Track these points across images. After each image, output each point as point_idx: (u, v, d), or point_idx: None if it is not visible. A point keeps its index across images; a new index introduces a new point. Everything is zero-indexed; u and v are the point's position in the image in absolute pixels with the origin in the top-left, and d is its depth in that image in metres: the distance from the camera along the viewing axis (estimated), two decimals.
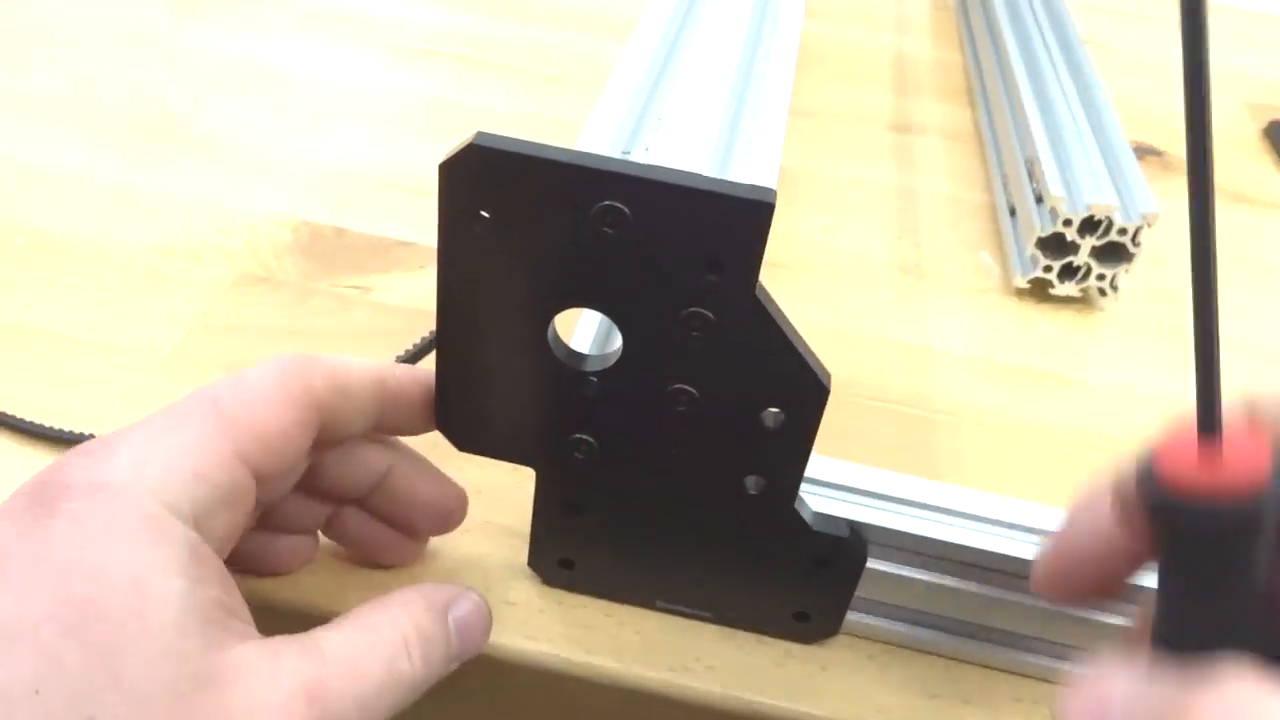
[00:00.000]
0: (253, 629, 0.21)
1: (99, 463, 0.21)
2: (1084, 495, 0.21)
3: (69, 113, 0.47)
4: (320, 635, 0.22)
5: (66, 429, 0.31)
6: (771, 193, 0.21)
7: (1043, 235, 0.42)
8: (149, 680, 0.19)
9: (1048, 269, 0.43)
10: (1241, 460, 0.16)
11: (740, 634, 0.29)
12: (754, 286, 0.22)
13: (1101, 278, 0.43)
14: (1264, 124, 0.61)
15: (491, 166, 0.22)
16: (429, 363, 0.27)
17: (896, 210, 0.49)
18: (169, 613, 0.19)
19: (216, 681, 0.20)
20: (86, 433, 0.31)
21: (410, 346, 0.31)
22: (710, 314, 0.23)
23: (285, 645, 0.21)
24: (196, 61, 0.52)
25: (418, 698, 0.23)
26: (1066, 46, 0.56)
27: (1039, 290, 0.44)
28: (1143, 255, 0.47)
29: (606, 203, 0.21)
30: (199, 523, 0.21)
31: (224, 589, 0.21)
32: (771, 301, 0.23)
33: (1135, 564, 0.21)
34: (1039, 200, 0.44)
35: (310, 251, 0.41)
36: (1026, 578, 0.27)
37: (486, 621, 0.26)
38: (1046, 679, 0.29)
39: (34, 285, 0.37)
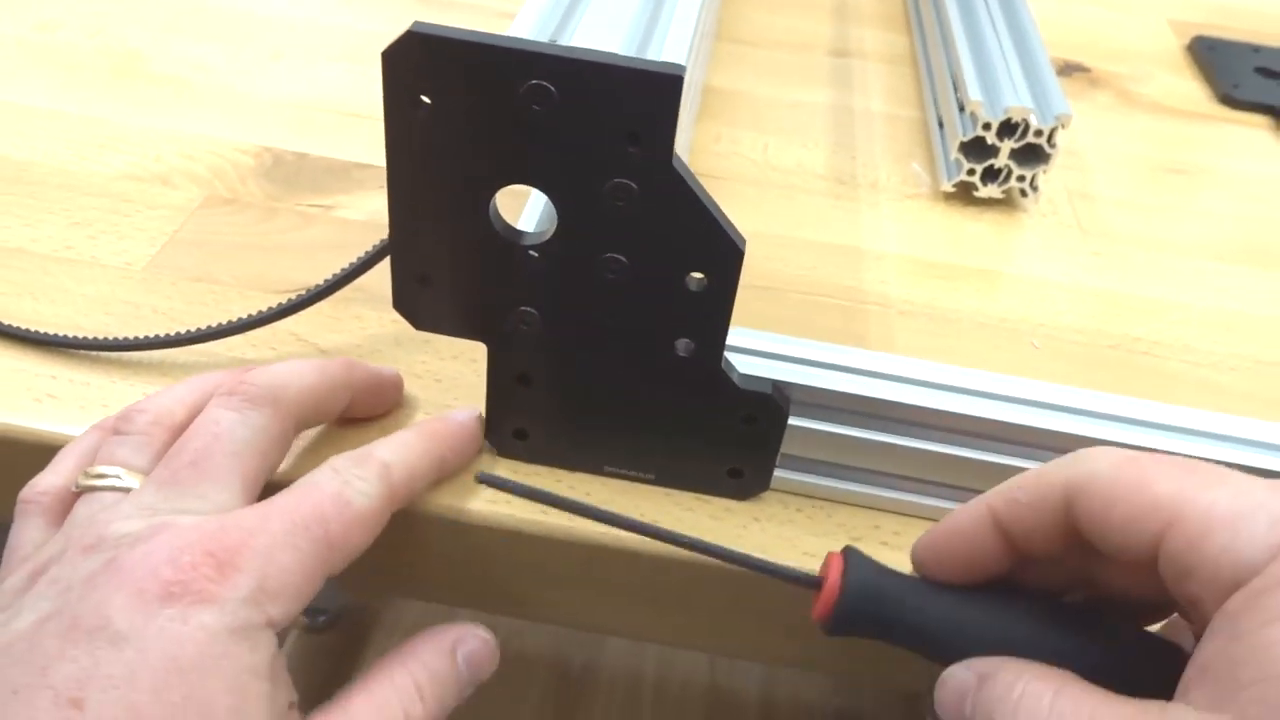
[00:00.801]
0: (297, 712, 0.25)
1: (226, 584, 0.24)
2: (968, 508, 0.26)
3: (35, 54, 0.49)
4: (347, 701, 0.26)
5: (53, 333, 0.33)
6: (680, 68, 0.24)
7: (964, 140, 0.45)
8: None
9: (971, 172, 0.46)
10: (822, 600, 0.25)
11: (681, 494, 0.32)
12: (670, 156, 0.25)
13: (1021, 179, 0.46)
14: (1187, 40, 0.64)
15: (429, 53, 0.24)
16: (384, 266, 0.30)
17: (834, 128, 0.51)
18: (261, 714, 0.23)
19: None
20: (73, 335, 0.33)
21: (364, 251, 0.34)
22: (633, 184, 0.25)
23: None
24: (155, 5, 0.54)
25: None
26: None
27: (965, 194, 0.47)
28: (1064, 160, 0.50)
29: (534, 82, 0.24)
30: (281, 625, 0.25)
31: (286, 675, 0.25)
32: (689, 171, 0.25)
33: (1000, 562, 0.25)
34: (961, 109, 0.46)
35: (273, 175, 0.43)
36: (932, 427, 0.30)
37: (493, 652, 0.29)
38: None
39: (12, 211, 0.39)
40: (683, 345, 0.28)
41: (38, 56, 0.48)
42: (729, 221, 0.26)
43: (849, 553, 0.26)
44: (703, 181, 0.43)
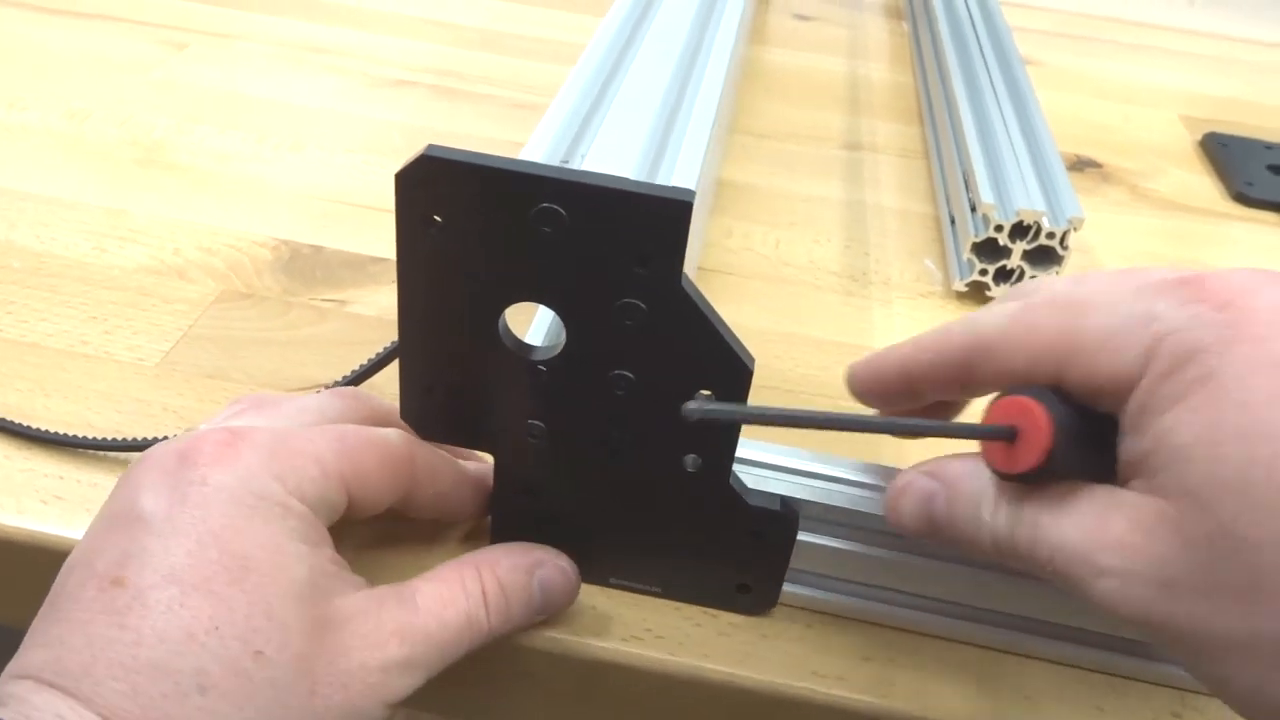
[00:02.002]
0: (362, 581, 0.27)
1: (238, 450, 0.25)
2: (937, 336, 0.27)
3: (61, 142, 0.50)
4: (416, 586, 0.27)
5: (63, 433, 0.33)
6: (690, 193, 0.24)
7: (977, 240, 0.45)
8: (293, 620, 0.24)
9: (983, 272, 0.46)
10: (1032, 450, 0.24)
11: (689, 608, 0.31)
12: (679, 277, 0.25)
13: (1034, 279, 0.46)
14: (1199, 136, 0.64)
15: (441, 175, 0.24)
16: (393, 367, 0.30)
17: (847, 223, 0.52)
18: (301, 570, 0.25)
19: (336, 621, 0.25)
20: (81, 435, 0.33)
21: (376, 352, 0.34)
22: (642, 304, 0.25)
23: (388, 594, 0.26)
24: (182, 93, 0.55)
25: (492, 642, 0.28)
26: (1006, 66, 0.59)
27: (977, 293, 0.47)
28: (1076, 258, 0.50)
29: (544, 205, 0.24)
30: (313, 505, 0.26)
31: (333, 551, 0.26)
32: (697, 291, 0.26)
33: (945, 394, 0.27)
34: (974, 209, 0.47)
35: (290, 269, 0.43)
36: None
37: (572, 585, 0.30)
38: (969, 642, 0.31)
39: (29, 304, 0.39)
40: (690, 461, 0.28)
41: (65, 146, 0.49)
42: (738, 341, 0.26)
43: (1038, 392, 0.24)
44: (714, 277, 0.43)
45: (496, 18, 0.69)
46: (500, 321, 0.27)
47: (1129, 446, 0.23)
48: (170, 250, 0.43)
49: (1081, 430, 0.24)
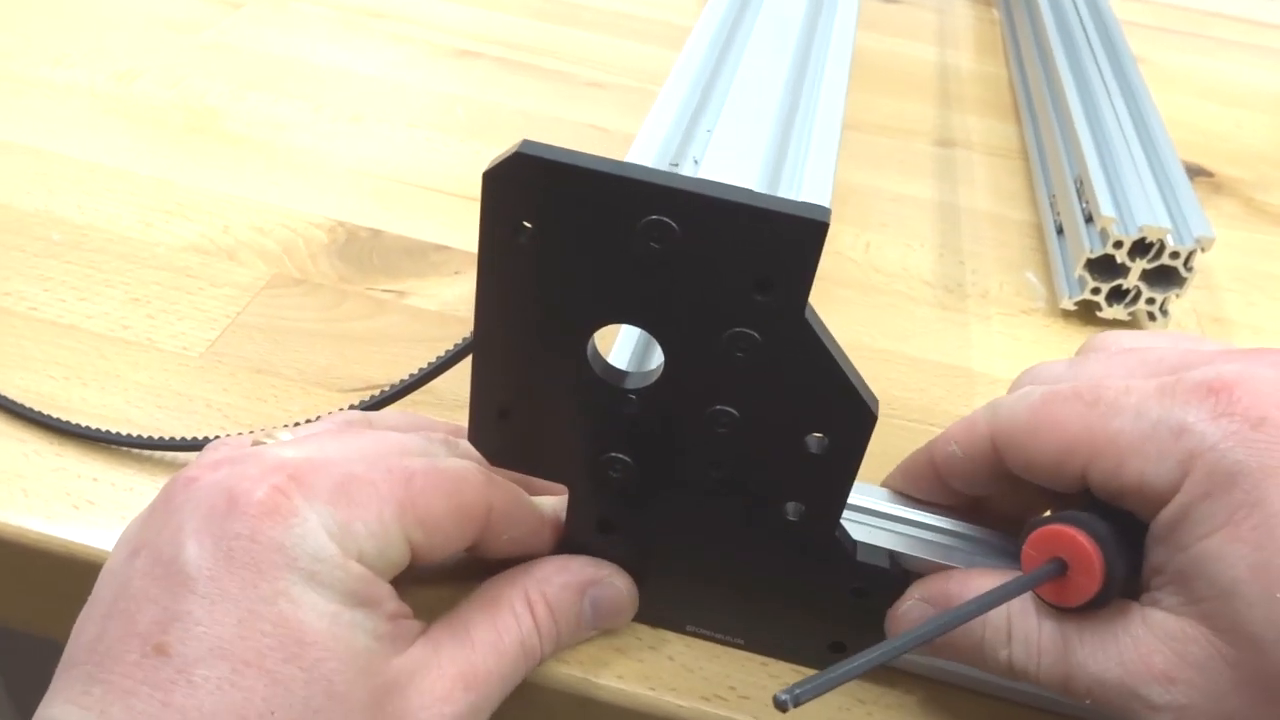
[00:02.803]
0: (418, 624, 0.24)
1: (293, 502, 0.22)
2: (915, 459, 0.28)
3: (107, 105, 0.47)
4: (467, 617, 0.25)
5: (99, 428, 0.31)
6: (826, 211, 0.20)
7: (1093, 257, 0.41)
8: (355, 694, 0.22)
9: (1095, 291, 0.42)
10: (1087, 582, 0.23)
11: (776, 664, 0.28)
12: (804, 309, 0.22)
13: (1151, 301, 0.42)
14: None
15: (536, 176, 0.21)
16: (462, 369, 0.27)
17: (939, 227, 0.48)
18: (360, 638, 0.22)
19: (399, 685, 0.23)
20: (119, 432, 0.31)
21: (443, 352, 0.31)
22: (756, 335, 0.22)
23: (443, 635, 0.24)
24: (238, 58, 0.52)
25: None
26: (1118, 64, 0.55)
27: (1085, 312, 0.43)
28: (1194, 279, 0.46)
29: (654, 217, 0.21)
30: (372, 564, 0.23)
31: (394, 603, 0.24)
32: (821, 324, 0.22)
33: (978, 488, 0.27)
34: (1089, 220, 0.43)
35: (346, 254, 0.40)
36: None
37: (627, 603, 0.27)
38: (1082, 717, 0.28)
39: (68, 281, 0.37)
40: (792, 508, 0.25)
41: (111, 109, 0.47)
42: (863, 382, 0.23)
43: (1079, 519, 0.23)
44: None
45: None
46: (590, 344, 0.23)
47: (1161, 557, 0.23)
48: (220, 228, 0.40)
49: (1120, 547, 0.23)
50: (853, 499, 0.27)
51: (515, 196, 0.21)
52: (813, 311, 0.22)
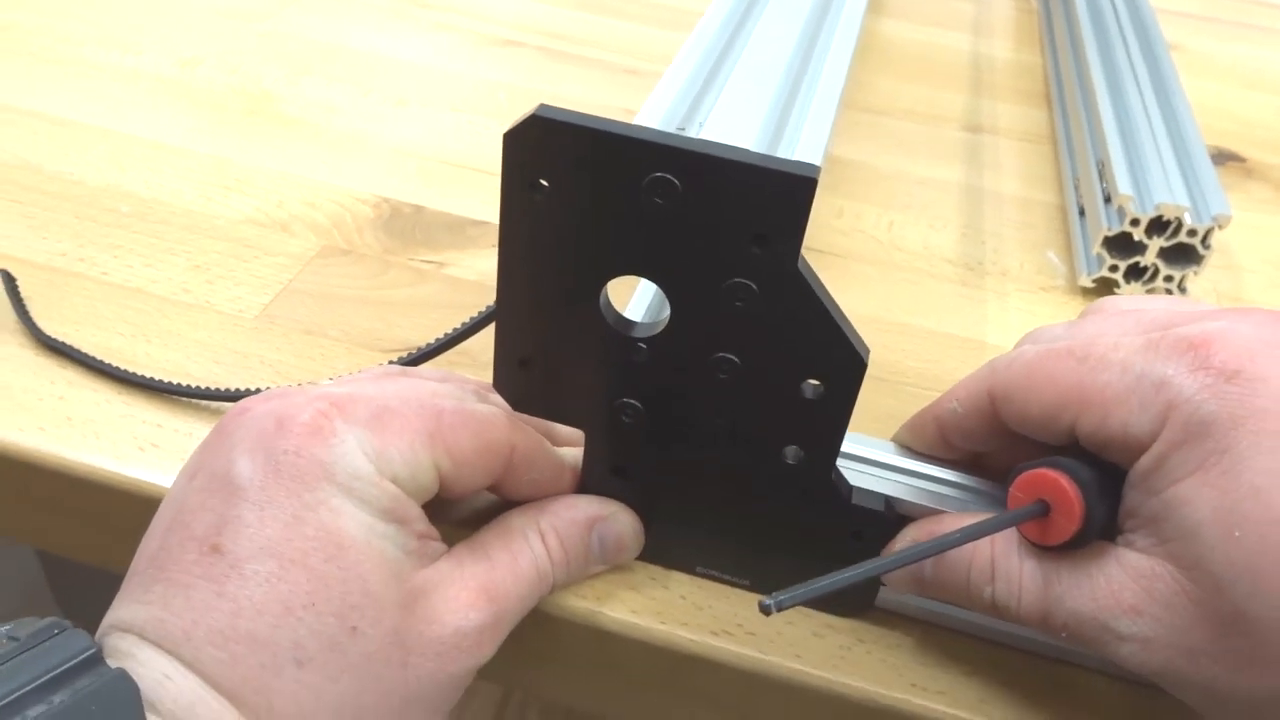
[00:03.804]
0: (443, 545, 0.26)
1: (334, 425, 0.25)
2: (921, 419, 0.29)
3: (171, 89, 0.50)
4: (486, 540, 0.27)
5: (161, 379, 0.34)
6: (815, 169, 0.22)
7: (1110, 234, 0.42)
8: (387, 596, 0.24)
9: (1113, 268, 0.43)
10: (1066, 523, 0.25)
11: None
12: (796, 259, 0.23)
13: (1169, 279, 0.43)
14: None
15: (552, 137, 0.23)
16: (488, 332, 0.29)
17: (964, 209, 0.49)
18: (390, 548, 0.24)
19: (425, 591, 0.25)
20: (179, 383, 0.33)
21: (471, 316, 0.33)
22: (754, 285, 0.24)
23: (465, 554, 0.27)
24: (292, 45, 0.55)
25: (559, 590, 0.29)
26: (1149, 50, 0.55)
27: (1104, 290, 0.44)
28: (1214, 259, 0.47)
29: (658, 174, 0.23)
30: (404, 485, 0.25)
31: (423, 524, 0.26)
32: (813, 275, 0.24)
33: (977, 443, 0.28)
34: (1107, 200, 0.44)
35: (390, 227, 0.43)
36: None
37: (633, 540, 0.29)
38: (1083, 664, 0.29)
39: (135, 249, 0.40)
40: (792, 453, 0.27)
41: (175, 93, 0.50)
42: (853, 330, 0.24)
43: (1063, 464, 0.25)
44: (821, 258, 0.41)
45: None
46: (602, 294, 0.25)
47: (1135, 501, 0.24)
48: (274, 203, 0.43)
49: (1100, 492, 0.25)
50: (853, 449, 0.29)
51: (533, 156, 0.23)
52: (805, 262, 0.24)
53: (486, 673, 0.31)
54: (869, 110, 0.56)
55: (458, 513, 0.30)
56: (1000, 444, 0.28)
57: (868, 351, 0.25)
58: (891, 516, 0.28)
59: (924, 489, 0.28)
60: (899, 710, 0.28)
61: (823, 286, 0.24)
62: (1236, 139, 0.58)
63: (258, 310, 0.38)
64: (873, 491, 0.28)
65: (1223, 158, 0.56)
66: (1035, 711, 0.28)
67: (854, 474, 0.28)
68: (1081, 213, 0.47)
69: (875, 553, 0.28)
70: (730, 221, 0.23)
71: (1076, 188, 0.49)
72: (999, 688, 0.28)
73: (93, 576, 0.34)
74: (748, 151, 0.22)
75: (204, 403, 0.34)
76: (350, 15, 0.59)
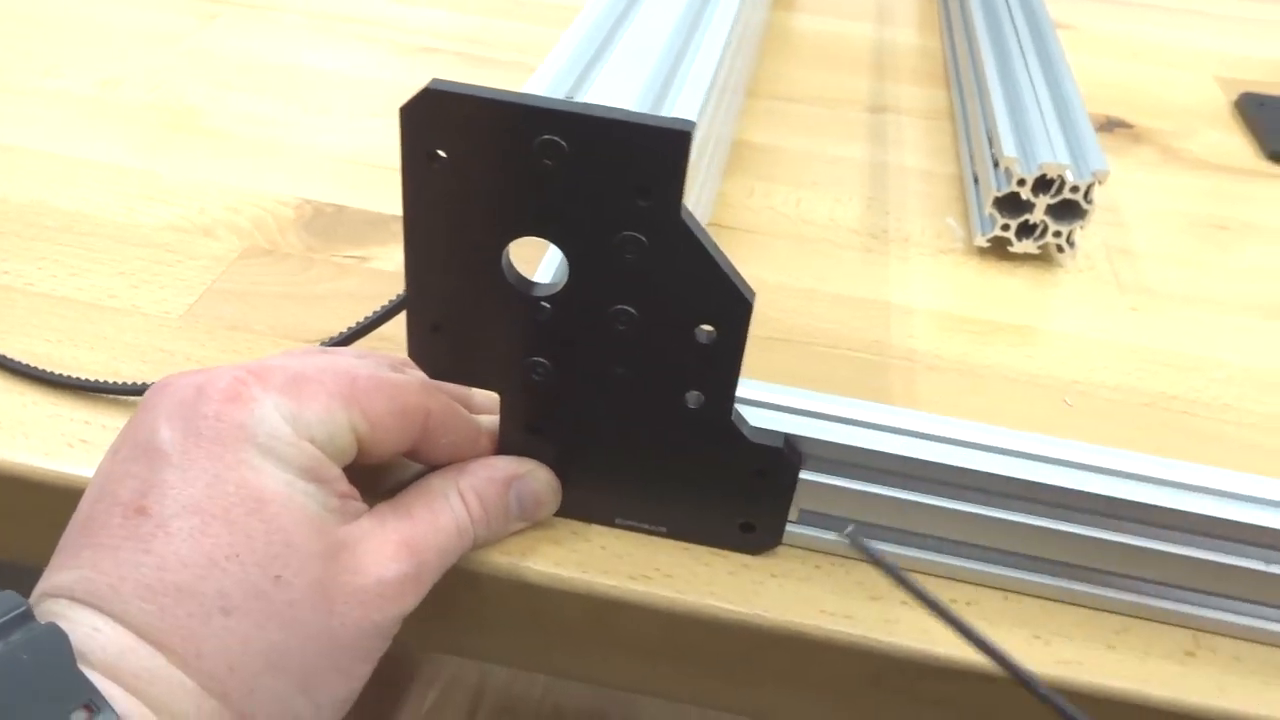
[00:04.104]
0: (364, 505, 0.28)
1: (251, 390, 0.26)
2: None
3: (94, 109, 0.51)
4: (407, 499, 0.29)
5: (91, 379, 0.34)
6: (690, 123, 0.24)
7: (999, 195, 0.45)
8: (309, 546, 0.25)
9: (1005, 227, 0.45)
10: None
11: (698, 548, 0.32)
12: (679, 209, 0.25)
13: (1058, 235, 0.45)
14: (1234, 96, 0.63)
15: (445, 109, 0.25)
16: (402, 318, 0.30)
17: (869, 183, 0.51)
18: (311, 504, 0.26)
19: (348, 544, 0.26)
20: (109, 380, 0.34)
21: (386, 301, 0.34)
22: (642, 237, 0.26)
23: (386, 511, 0.28)
24: (213, 62, 0.56)
25: (480, 549, 0.30)
26: (1036, 29, 0.58)
27: (999, 250, 0.46)
28: (1103, 216, 0.50)
29: (546, 137, 0.24)
30: (322, 446, 0.26)
31: (343, 484, 0.27)
32: (698, 224, 0.26)
33: None
34: (996, 165, 0.46)
35: (313, 227, 0.44)
36: (951, 484, 0.30)
37: (551, 496, 0.31)
38: (982, 583, 0.31)
39: (62, 261, 0.40)
40: (693, 397, 0.28)
41: (98, 112, 0.51)
42: (738, 274, 0.26)
43: None
44: (735, 235, 0.43)
45: None
46: (504, 257, 0.27)
47: None
48: (197, 209, 0.44)
49: None
50: (752, 394, 0.30)
51: (429, 128, 0.25)
52: (689, 213, 0.25)
53: (419, 639, 0.32)
54: (778, 98, 0.59)
55: (385, 484, 0.32)
56: None
57: (753, 294, 0.27)
58: (791, 453, 0.29)
59: (822, 426, 0.30)
60: (810, 636, 0.30)
61: (707, 234, 0.26)
62: (1125, 108, 0.61)
63: (183, 310, 0.39)
64: (772, 430, 0.29)
65: (1113, 125, 0.59)
66: (934, 625, 0.30)
67: (757, 417, 0.30)
68: (976, 180, 0.49)
69: (778, 490, 0.30)
70: (615, 177, 0.25)
71: (971, 158, 0.51)
72: (900, 608, 0.30)
73: (21, 576, 0.35)
74: (627, 111, 0.24)
75: (133, 399, 0.35)
76: (270, 33, 0.60)
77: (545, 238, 0.26)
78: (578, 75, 0.28)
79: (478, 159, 0.25)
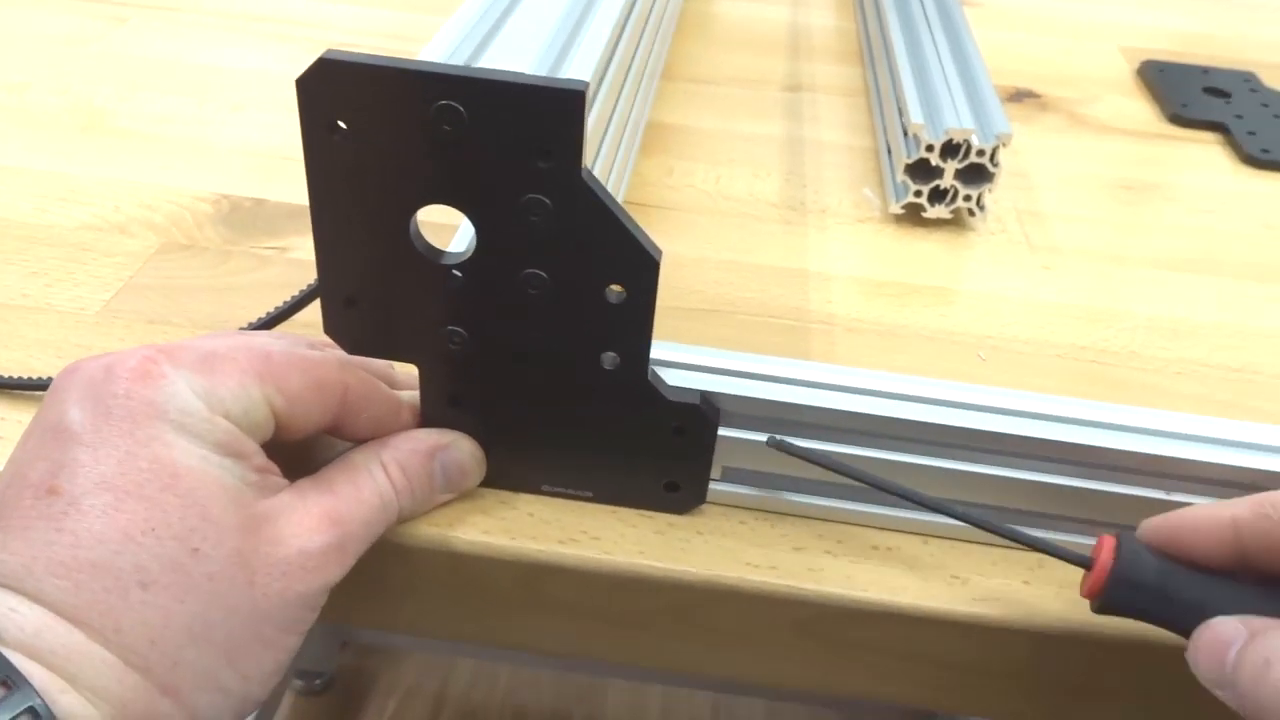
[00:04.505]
0: (284, 481, 0.28)
1: (161, 367, 0.26)
2: (1213, 510, 0.27)
3: (4, 114, 0.50)
4: (329, 474, 0.29)
5: (3, 375, 0.34)
6: (583, 83, 0.25)
7: (909, 162, 0.46)
8: (227, 518, 0.25)
9: (918, 194, 0.46)
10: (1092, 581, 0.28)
11: (626, 511, 0.32)
12: (579, 170, 0.25)
13: (968, 198, 0.46)
14: (1136, 65, 0.65)
15: (342, 79, 0.25)
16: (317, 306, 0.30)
17: (786, 158, 0.52)
18: (228, 478, 0.26)
19: (269, 517, 0.26)
20: (24, 376, 0.34)
21: (300, 290, 0.34)
22: (546, 199, 0.26)
23: (307, 485, 0.28)
24: (123, 65, 0.55)
25: (407, 521, 0.30)
26: (943, 6, 0.60)
27: (914, 216, 0.48)
28: (1013, 181, 0.51)
29: (443, 102, 0.25)
30: (237, 421, 0.26)
31: (261, 459, 0.27)
32: (599, 185, 0.26)
33: (1224, 564, 0.26)
34: (906, 134, 0.47)
35: (230, 221, 0.44)
36: (865, 433, 0.30)
37: (475, 465, 0.31)
38: (898, 529, 0.32)
39: None
40: (609, 359, 0.29)
41: (6, 116, 0.50)
42: (643, 232, 0.27)
43: (1122, 539, 0.27)
44: (656, 213, 0.44)
45: None
46: (412, 226, 0.27)
47: None
48: (111, 208, 0.44)
49: (1155, 582, 0.26)
50: (668, 355, 0.31)
51: (327, 99, 0.25)
52: (590, 173, 0.26)
53: (353, 616, 0.33)
54: (695, 80, 0.59)
55: (312, 464, 0.32)
56: None
57: (659, 252, 0.27)
58: (709, 410, 0.30)
59: (739, 384, 0.30)
60: (738, 588, 0.30)
61: (610, 195, 0.26)
62: (1032, 78, 0.63)
63: (99, 306, 0.38)
64: (688, 389, 0.30)
65: (1021, 95, 0.61)
66: (856, 571, 0.31)
67: (675, 377, 0.30)
68: (889, 152, 0.51)
69: (699, 446, 0.30)
70: (514, 140, 0.25)
71: (885, 131, 0.52)
72: (824, 558, 0.31)
73: None
74: (521, 74, 0.25)
75: (42, 393, 0.34)
76: (182, 33, 0.59)
77: (450, 204, 0.27)
78: (474, 47, 0.29)
79: (377, 128, 0.25)
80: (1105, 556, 0.27)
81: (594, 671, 1.07)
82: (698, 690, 1.06)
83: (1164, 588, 0.27)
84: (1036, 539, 0.29)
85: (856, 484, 0.32)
